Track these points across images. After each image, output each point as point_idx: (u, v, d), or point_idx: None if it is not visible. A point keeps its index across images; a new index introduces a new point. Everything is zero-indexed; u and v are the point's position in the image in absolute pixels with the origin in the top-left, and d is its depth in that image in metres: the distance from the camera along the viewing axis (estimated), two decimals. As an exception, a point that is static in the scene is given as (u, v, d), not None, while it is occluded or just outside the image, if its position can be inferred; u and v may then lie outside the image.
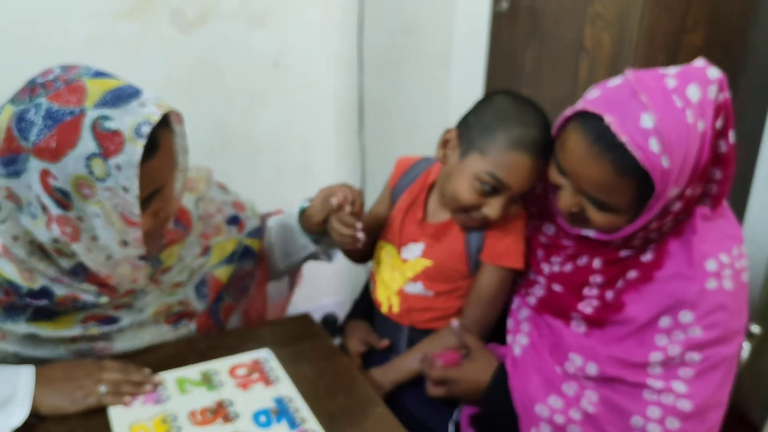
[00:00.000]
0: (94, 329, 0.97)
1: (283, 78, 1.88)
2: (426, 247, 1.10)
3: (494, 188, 0.98)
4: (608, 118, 0.80)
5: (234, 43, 1.77)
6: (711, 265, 0.86)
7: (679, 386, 0.87)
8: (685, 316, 0.86)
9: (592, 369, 0.92)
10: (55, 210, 0.83)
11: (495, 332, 1.11)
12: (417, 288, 1.11)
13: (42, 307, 0.93)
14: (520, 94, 1.03)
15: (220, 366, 1.00)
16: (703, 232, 0.88)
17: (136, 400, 0.92)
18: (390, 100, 1.99)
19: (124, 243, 0.88)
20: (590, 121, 0.83)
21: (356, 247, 1.07)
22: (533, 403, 0.95)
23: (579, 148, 0.84)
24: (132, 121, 0.81)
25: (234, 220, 1.18)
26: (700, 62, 0.86)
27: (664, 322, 0.88)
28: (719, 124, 0.85)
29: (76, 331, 0.96)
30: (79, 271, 0.92)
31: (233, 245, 1.15)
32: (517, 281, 1.09)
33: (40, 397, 0.88)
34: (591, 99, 0.85)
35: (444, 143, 1.06)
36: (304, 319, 1.17)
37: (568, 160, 0.87)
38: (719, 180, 0.89)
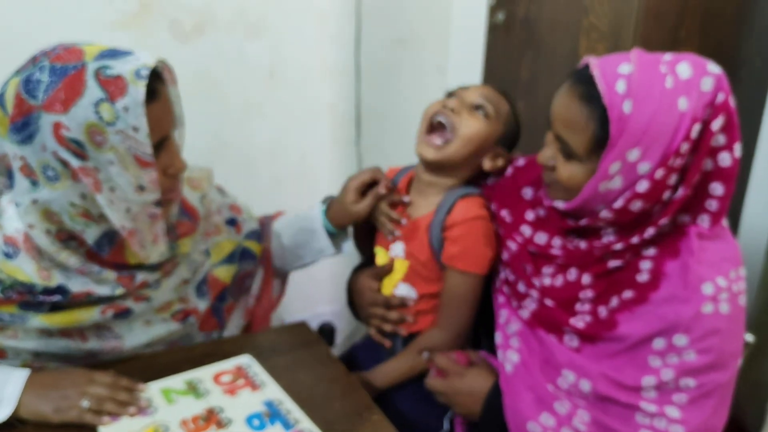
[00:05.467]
0: (110, 316, 0.98)
1: (279, 88, 1.89)
2: (405, 247, 1.14)
3: (450, 93, 1.11)
4: (593, 61, 0.87)
5: (231, 53, 1.78)
6: (707, 289, 0.84)
7: (673, 411, 0.85)
8: (680, 340, 0.84)
9: (585, 386, 0.91)
10: (75, 162, 0.86)
11: (488, 343, 1.12)
12: (404, 290, 1.14)
13: (58, 302, 0.94)
14: None
15: (203, 374, 1.00)
16: (701, 253, 0.86)
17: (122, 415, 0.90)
18: (387, 110, 2.00)
19: (141, 188, 0.91)
20: (583, 69, 0.89)
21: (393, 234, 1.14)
22: (525, 420, 0.94)
23: (564, 88, 0.91)
24: (131, 68, 0.86)
25: (232, 222, 1.20)
26: (707, 60, 0.87)
27: (658, 343, 0.86)
28: (717, 127, 0.85)
29: (95, 318, 0.97)
30: (104, 245, 0.94)
31: (232, 246, 1.17)
32: (504, 291, 1.08)
33: (26, 401, 0.88)
34: None
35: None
36: (301, 327, 1.17)
37: (555, 99, 0.92)
38: (720, 197, 0.88)
